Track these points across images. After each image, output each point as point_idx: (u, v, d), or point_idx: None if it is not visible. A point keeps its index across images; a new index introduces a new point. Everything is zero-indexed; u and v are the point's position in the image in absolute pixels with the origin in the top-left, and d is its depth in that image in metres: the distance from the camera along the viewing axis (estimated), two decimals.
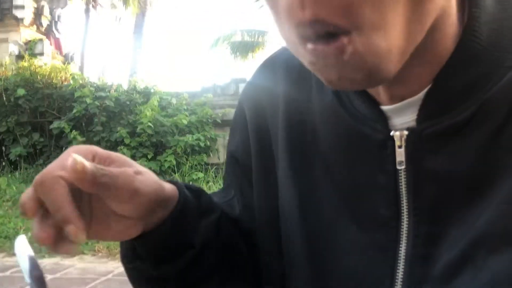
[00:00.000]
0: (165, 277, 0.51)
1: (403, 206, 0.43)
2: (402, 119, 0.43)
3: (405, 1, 0.33)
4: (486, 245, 0.38)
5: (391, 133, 0.43)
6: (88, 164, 0.39)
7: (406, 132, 0.42)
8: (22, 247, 0.44)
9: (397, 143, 0.42)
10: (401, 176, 0.43)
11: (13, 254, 3.79)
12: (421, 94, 0.41)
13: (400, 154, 0.42)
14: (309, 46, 0.35)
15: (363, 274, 0.45)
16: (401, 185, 0.43)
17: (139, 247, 0.49)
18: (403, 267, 0.43)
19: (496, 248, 0.37)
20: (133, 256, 0.50)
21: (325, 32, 0.33)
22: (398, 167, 0.43)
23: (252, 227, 0.56)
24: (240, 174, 0.59)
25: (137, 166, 0.46)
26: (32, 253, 0.44)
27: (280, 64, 0.56)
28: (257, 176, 0.56)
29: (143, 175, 0.45)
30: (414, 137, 0.42)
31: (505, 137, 0.39)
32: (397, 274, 0.43)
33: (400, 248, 0.43)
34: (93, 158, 0.43)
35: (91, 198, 0.44)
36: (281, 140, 0.53)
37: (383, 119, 0.44)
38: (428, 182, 0.42)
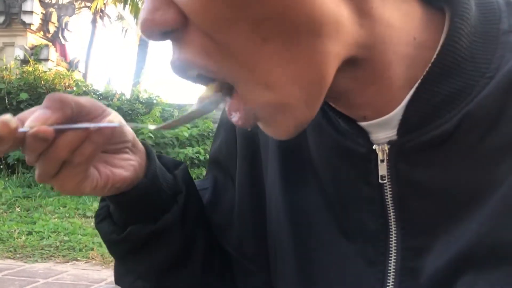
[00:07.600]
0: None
1: (390, 219, 0.43)
2: (384, 133, 0.42)
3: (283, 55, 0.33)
4: (475, 259, 0.37)
5: (374, 147, 0.42)
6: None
7: (387, 146, 0.41)
8: None
9: (380, 157, 0.42)
10: (386, 189, 0.42)
11: (6, 257, 3.73)
12: (401, 107, 0.40)
13: (383, 168, 0.42)
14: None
15: (352, 287, 0.45)
16: (387, 198, 0.43)
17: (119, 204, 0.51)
18: (392, 280, 0.43)
19: (485, 262, 0.37)
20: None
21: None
22: (380, 181, 0.42)
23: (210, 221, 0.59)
24: (217, 174, 0.61)
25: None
26: None
27: None
28: (243, 180, 0.57)
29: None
30: (396, 151, 0.41)
31: (490, 148, 0.38)
32: (387, 287, 0.43)
33: (390, 261, 0.43)
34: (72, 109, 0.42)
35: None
36: (272, 150, 0.53)
37: (364, 133, 0.43)
38: (412, 195, 0.41)
